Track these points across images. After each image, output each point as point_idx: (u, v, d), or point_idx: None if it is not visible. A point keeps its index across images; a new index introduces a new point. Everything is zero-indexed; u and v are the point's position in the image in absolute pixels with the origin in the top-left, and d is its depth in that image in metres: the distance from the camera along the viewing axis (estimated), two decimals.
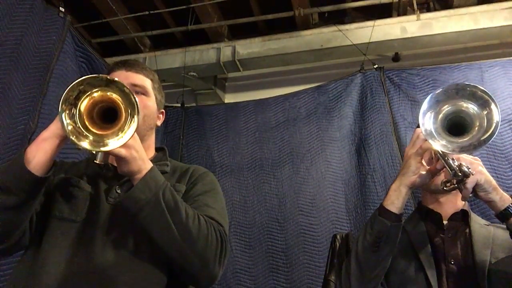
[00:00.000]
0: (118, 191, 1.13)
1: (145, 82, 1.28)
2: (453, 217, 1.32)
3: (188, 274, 1.07)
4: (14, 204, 0.98)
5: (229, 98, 3.51)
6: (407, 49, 2.97)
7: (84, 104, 0.97)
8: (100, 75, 0.97)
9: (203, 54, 3.17)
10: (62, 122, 0.94)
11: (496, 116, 1.03)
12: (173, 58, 3.21)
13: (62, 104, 0.94)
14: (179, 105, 2.95)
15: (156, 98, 1.32)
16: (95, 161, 1.00)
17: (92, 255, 1.03)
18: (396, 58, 3.14)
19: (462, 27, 2.67)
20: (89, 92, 0.97)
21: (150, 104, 1.27)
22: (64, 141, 1.01)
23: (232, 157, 2.60)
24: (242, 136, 2.65)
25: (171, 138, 2.82)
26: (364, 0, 2.97)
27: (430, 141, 1.06)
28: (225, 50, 3.13)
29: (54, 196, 1.13)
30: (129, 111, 0.96)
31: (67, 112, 0.95)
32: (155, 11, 3.12)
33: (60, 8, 2.17)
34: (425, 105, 1.08)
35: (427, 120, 1.07)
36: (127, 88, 0.96)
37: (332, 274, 1.52)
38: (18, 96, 1.87)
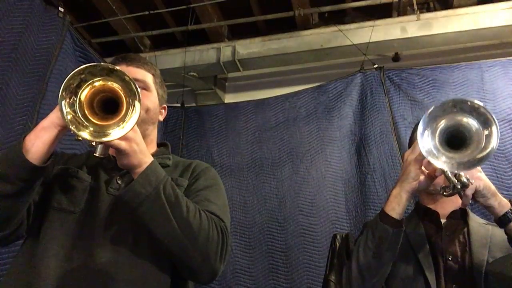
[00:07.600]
0: (119, 181, 1.13)
1: (146, 77, 1.27)
2: (452, 215, 1.32)
3: (189, 269, 1.05)
4: (11, 192, 0.97)
5: (229, 98, 3.50)
6: (407, 49, 2.97)
7: (84, 94, 0.95)
8: (101, 63, 0.94)
9: (203, 54, 3.17)
10: (62, 111, 0.92)
11: (494, 141, 1.03)
12: (173, 58, 3.20)
13: (62, 92, 0.92)
14: (179, 105, 2.94)
15: (158, 93, 1.30)
16: (94, 154, 0.98)
17: (92, 250, 1.02)
18: (396, 58, 3.12)
19: (462, 27, 2.67)
20: (90, 81, 0.95)
21: (152, 99, 1.26)
22: (64, 131, 1.00)
23: (232, 157, 2.60)
24: (242, 136, 2.65)
25: (171, 138, 2.81)
26: (364, 0, 2.97)
27: (431, 160, 1.05)
28: (225, 50, 3.13)
29: (52, 187, 1.12)
30: (130, 100, 0.93)
31: (67, 100, 0.93)
32: (155, 11, 3.11)
33: (60, 8, 2.16)
34: (420, 127, 1.07)
35: (426, 139, 1.06)
36: (128, 76, 0.94)
37: (332, 274, 1.52)
38: (17, 97, 1.86)
